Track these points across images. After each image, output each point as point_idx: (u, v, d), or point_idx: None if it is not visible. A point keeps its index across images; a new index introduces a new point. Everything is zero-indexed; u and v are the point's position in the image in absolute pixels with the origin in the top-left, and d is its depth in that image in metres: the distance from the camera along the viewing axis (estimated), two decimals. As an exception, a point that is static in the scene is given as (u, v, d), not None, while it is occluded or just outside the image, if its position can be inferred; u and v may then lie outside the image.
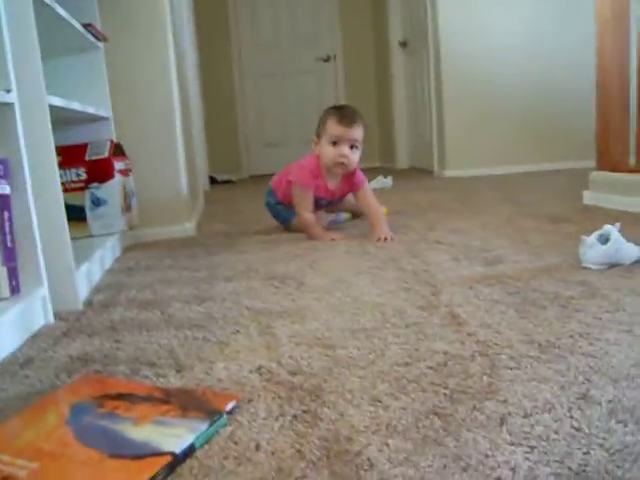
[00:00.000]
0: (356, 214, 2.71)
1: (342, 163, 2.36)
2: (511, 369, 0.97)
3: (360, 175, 2.48)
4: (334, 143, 2.34)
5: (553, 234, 2.07)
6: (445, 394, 0.90)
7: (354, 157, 2.37)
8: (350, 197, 2.60)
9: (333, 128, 2.34)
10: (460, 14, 4.54)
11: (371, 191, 2.50)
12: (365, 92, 6.44)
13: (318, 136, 2.41)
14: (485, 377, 0.95)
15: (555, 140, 4.65)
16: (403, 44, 5.59)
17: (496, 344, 1.09)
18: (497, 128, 4.63)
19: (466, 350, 1.07)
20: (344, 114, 2.36)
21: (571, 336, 1.10)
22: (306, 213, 2.38)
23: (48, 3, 1.70)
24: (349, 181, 2.47)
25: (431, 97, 4.83)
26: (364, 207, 2.45)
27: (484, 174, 4.51)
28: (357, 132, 2.36)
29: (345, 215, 2.69)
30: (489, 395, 0.89)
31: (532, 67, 4.60)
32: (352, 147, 2.36)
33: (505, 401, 0.86)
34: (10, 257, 1.37)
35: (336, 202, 2.60)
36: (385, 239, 2.18)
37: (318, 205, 2.49)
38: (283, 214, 2.56)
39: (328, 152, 2.35)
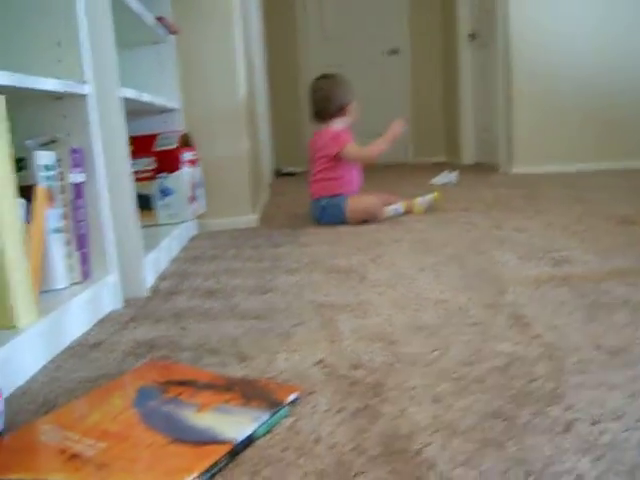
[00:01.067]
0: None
1: None
2: (578, 374, 0.95)
3: None
4: None
5: (623, 236, 2.00)
6: (509, 396, 0.88)
7: None
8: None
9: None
10: (532, 7, 4.42)
11: None
12: (431, 86, 6.36)
13: (349, 102, 2.70)
14: (551, 381, 0.93)
15: (627, 138, 4.48)
16: (472, 37, 5.48)
17: (562, 347, 1.06)
18: (567, 124, 4.50)
19: (531, 352, 1.05)
20: None
21: (642, 342, 1.07)
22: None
23: (123, -3, 1.75)
24: None
25: (499, 92, 4.72)
26: None
27: (552, 171, 4.39)
28: None
29: (402, 206, 2.70)
30: (554, 400, 0.86)
31: (605, 63, 4.44)
32: None
33: (571, 407, 0.84)
34: (83, 243, 1.42)
35: None
36: None
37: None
38: (340, 204, 2.57)
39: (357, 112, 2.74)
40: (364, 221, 2.55)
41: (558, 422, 0.80)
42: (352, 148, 2.61)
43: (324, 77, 2.75)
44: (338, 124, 2.69)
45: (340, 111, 2.68)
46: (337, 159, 2.62)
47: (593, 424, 0.79)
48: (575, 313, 1.25)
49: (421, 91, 6.36)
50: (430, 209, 2.75)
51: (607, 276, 1.52)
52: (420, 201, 2.75)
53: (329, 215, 2.59)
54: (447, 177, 3.98)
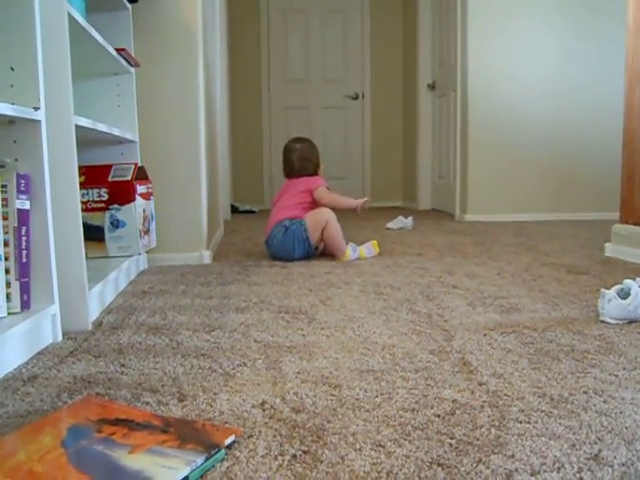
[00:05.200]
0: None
1: None
2: (521, 423, 0.94)
3: None
4: None
5: (572, 285, 2.03)
6: (451, 444, 0.87)
7: None
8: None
9: None
10: (489, 61, 4.57)
11: None
12: (391, 132, 6.47)
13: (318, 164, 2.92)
14: (493, 429, 0.92)
15: (577, 190, 4.63)
16: (431, 86, 5.62)
17: (507, 395, 1.06)
18: (520, 175, 4.62)
19: (475, 400, 1.04)
20: None
21: (585, 392, 1.07)
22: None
23: (84, 26, 1.73)
24: None
25: (456, 141, 4.84)
26: None
27: (505, 220, 4.49)
28: None
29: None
30: (496, 449, 0.86)
31: (558, 117, 4.60)
32: None
33: (512, 456, 0.83)
34: (24, 272, 1.38)
35: None
36: None
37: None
38: (302, 222, 2.69)
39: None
40: (321, 240, 2.71)
41: (498, 472, 0.79)
42: (324, 191, 2.78)
43: (300, 140, 2.94)
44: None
45: (314, 171, 2.88)
46: (311, 200, 2.77)
47: (533, 474, 0.78)
48: (520, 361, 1.25)
49: (381, 136, 6.46)
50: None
51: (554, 324, 1.54)
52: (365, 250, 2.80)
53: (291, 233, 2.64)
54: (402, 222, 4.02)
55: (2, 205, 1.32)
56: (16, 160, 1.39)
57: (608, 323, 1.54)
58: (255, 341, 1.42)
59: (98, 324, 1.62)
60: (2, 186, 1.33)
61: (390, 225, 4.04)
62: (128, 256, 2.25)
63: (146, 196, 2.36)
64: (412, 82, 5.99)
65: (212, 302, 1.86)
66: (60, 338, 1.47)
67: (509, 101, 4.59)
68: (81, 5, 1.89)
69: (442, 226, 4.24)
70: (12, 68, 1.36)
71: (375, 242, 2.84)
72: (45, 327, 1.43)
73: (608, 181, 4.44)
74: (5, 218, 1.34)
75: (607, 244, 2.73)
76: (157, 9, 2.56)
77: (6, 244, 1.33)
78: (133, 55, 2.36)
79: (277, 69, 6.30)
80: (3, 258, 1.32)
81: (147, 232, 2.37)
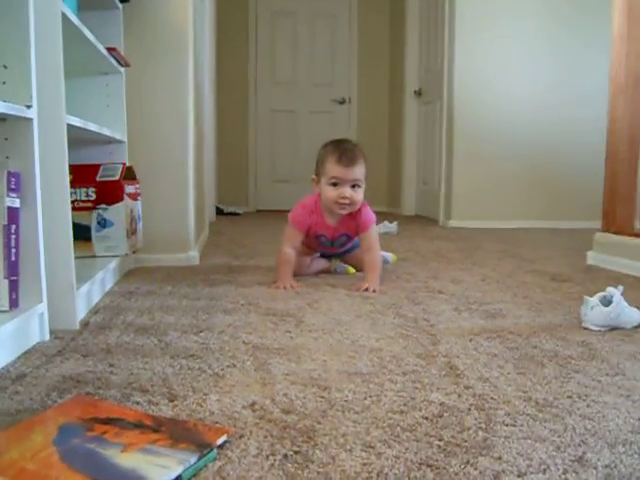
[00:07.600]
0: (360, 270, 2.40)
1: (345, 204, 2.18)
2: (507, 425, 0.96)
3: (368, 214, 2.29)
4: (334, 184, 2.17)
5: (555, 292, 2.06)
6: (439, 446, 0.89)
7: (357, 196, 2.19)
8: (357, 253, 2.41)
9: (332, 169, 2.16)
10: (475, 69, 4.62)
11: (376, 235, 2.33)
12: (377, 137, 6.50)
13: (317, 174, 2.25)
14: (480, 432, 0.94)
15: (561, 199, 4.69)
16: (418, 93, 5.66)
17: (493, 399, 1.08)
18: (504, 182, 4.67)
19: (462, 403, 1.06)
20: (343, 152, 2.17)
21: (569, 396, 1.09)
22: (286, 248, 2.22)
23: (76, 24, 1.73)
24: (354, 220, 2.27)
25: (442, 147, 4.88)
26: (364, 251, 2.27)
27: (489, 227, 4.53)
28: (358, 171, 2.17)
29: (346, 267, 2.47)
30: (483, 450, 0.87)
31: (541, 125, 4.66)
32: (354, 187, 2.18)
33: (499, 458, 0.85)
34: (13, 271, 1.37)
35: (339, 251, 2.44)
36: (367, 290, 2.08)
37: (319, 243, 2.36)
38: None
39: (328, 193, 2.18)
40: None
41: (486, 473, 0.81)
42: (286, 231, 2.28)
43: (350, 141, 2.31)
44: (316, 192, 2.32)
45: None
46: None
47: (520, 476, 0.80)
48: (506, 366, 1.27)
49: (366, 140, 6.46)
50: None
51: (538, 330, 1.56)
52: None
53: None
54: (387, 227, 4.05)
55: (-7, 203, 1.32)
56: (7, 158, 1.39)
57: (591, 330, 1.57)
58: (243, 343, 1.43)
59: (85, 324, 1.62)
60: (-7, 184, 1.32)
61: (375, 229, 4.05)
62: (115, 256, 2.24)
63: (134, 196, 2.35)
64: (399, 88, 6.03)
65: (199, 303, 1.86)
66: (47, 337, 1.47)
67: (493, 110, 4.64)
68: (73, 4, 1.89)
69: (426, 232, 4.27)
70: (5, 66, 1.36)
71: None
72: (33, 326, 1.43)
73: (591, 191, 4.50)
74: (-5, 216, 1.33)
75: (589, 252, 2.77)
76: (148, 9, 2.56)
77: (-5, 242, 1.33)
78: (123, 55, 2.36)
79: (264, 71, 6.31)
80: (-8, 256, 1.31)
81: (134, 232, 2.36)
